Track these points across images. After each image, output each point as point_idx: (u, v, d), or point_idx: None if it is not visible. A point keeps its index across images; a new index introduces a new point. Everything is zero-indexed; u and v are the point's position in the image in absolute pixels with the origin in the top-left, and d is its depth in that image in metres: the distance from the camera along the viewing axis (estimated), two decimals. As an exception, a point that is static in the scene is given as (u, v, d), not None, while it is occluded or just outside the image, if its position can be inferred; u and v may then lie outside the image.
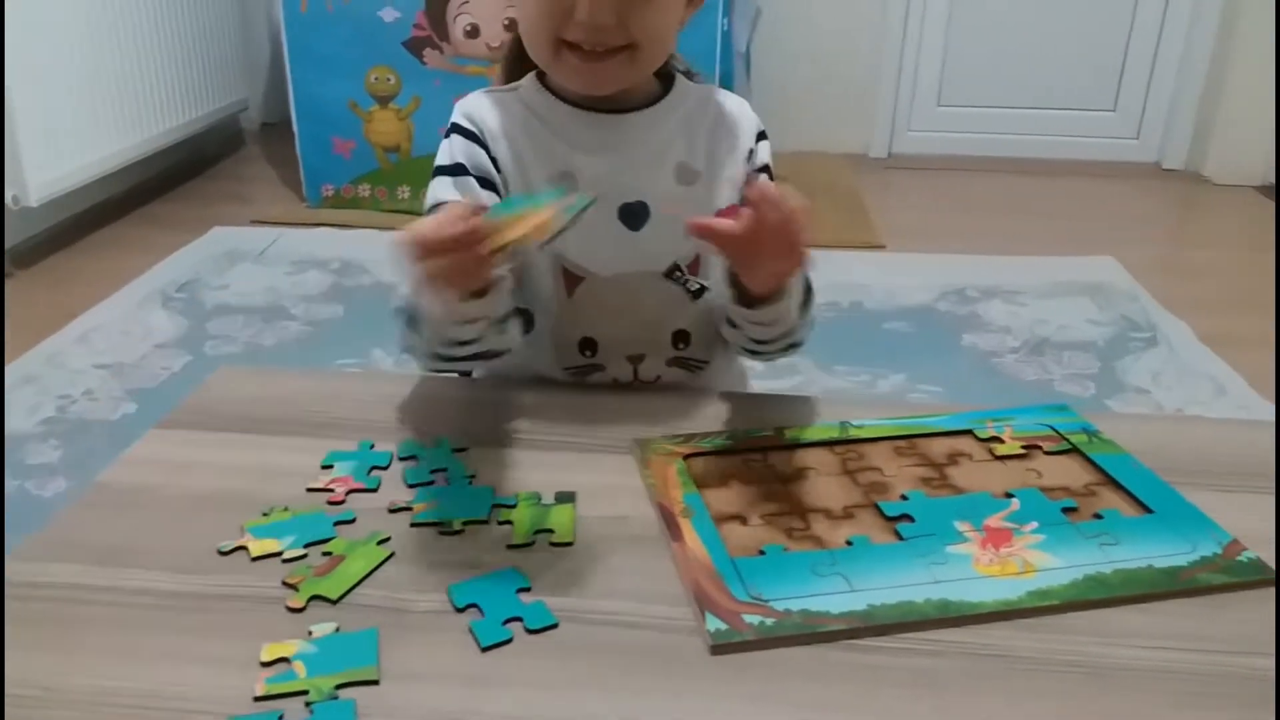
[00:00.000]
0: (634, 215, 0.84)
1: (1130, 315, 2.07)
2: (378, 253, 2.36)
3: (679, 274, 0.86)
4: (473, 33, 2.45)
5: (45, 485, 1.49)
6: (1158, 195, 3.06)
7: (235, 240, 2.44)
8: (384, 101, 2.54)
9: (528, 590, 0.60)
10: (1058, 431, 0.79)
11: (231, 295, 2.14)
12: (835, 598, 0.59)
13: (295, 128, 2.61)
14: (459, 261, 0.64)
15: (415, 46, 2.48)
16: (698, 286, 0.87)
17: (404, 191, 2.63)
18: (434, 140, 2.75)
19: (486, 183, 0.83)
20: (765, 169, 0.89)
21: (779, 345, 0.85)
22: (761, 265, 0.74)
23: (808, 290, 0.83)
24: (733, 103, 0.89)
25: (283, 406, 0.82)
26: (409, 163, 2.60)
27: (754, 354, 0.88)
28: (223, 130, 3.18)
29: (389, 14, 2.45)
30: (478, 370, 0.91)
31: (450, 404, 0.83)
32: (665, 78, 0.87)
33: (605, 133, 0.84)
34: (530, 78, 0.87)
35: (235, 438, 0.78)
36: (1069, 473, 0.73)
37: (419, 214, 2.66)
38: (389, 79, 2.52)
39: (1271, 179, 3.06)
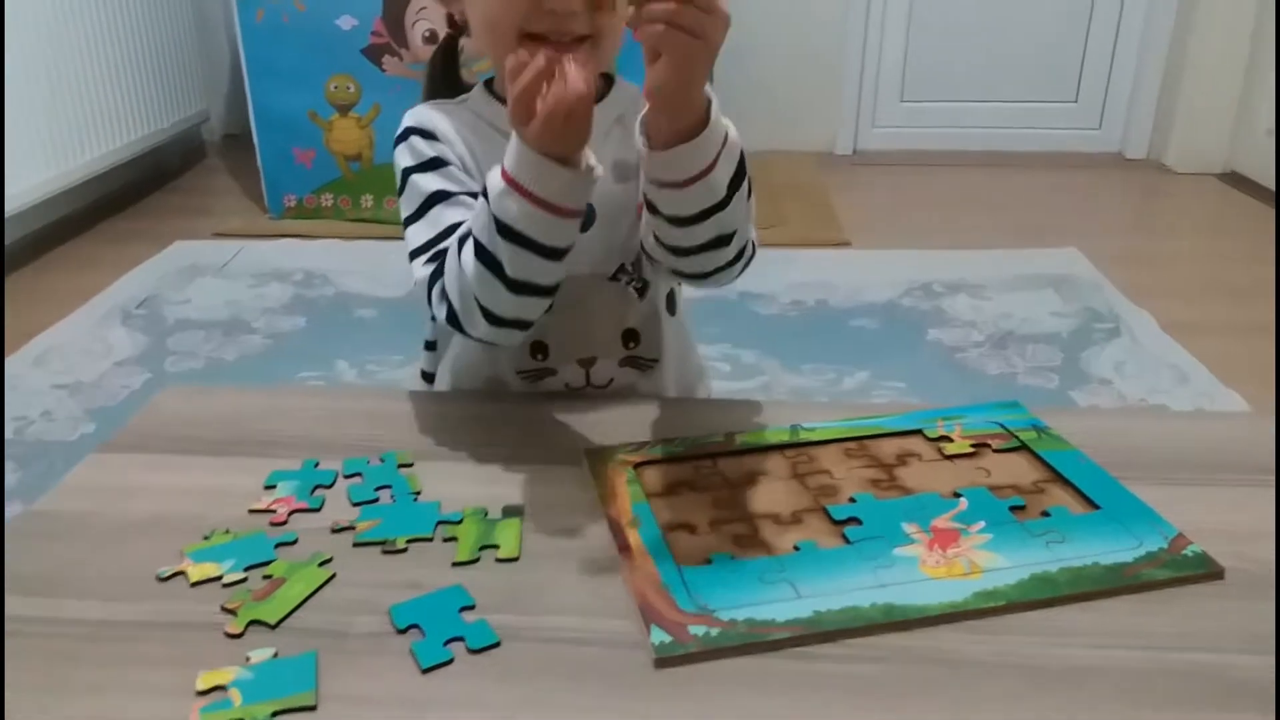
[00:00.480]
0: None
1: (1094, 306, 2.08)
2: (340, 261, 2.35)
3: (624, 273, 0.86)
4: (431, 39, 2.44)
5: None
6: (1121, 185, 3.09)
7: (197, 254, 2.41)
8: (344, 110, 2.52)
9: (471, 609, 0.59)
10: (1007, 429, 0.79)
11: (193, 310, 2.12)
12: (782, 605, 0.59)
13: (255, 139, 2.59)
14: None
15: (374, 54, 2.46)
16: (642, 282, 0.87)
17: (367, 200, 2.61)
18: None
19: (465, 173, 0.82)
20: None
21: (708, 227, 0.74)
22: (672, 47, 0.64)
23: (741, 168, 0.74)
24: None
25: (227, 426, 0.81)
26: (371, 170, 2.58)
27: (681, 251, 0.77)
28: (184, 142, 3.15)
29: (346, 22, 2.43)
30: (447, 369, 0.90)
31: (398, 418, 0.82)
32: (606, 78, 0.87)
33: None
34: (479, 89, 0.87)
35: (178, 459, 0.77)
36: (1017, 470, 0.73)
37: (381, 221, 2.67)
38: (349, 87, 2.50)
39: (1232, 167, 3.10)
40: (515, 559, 0.64)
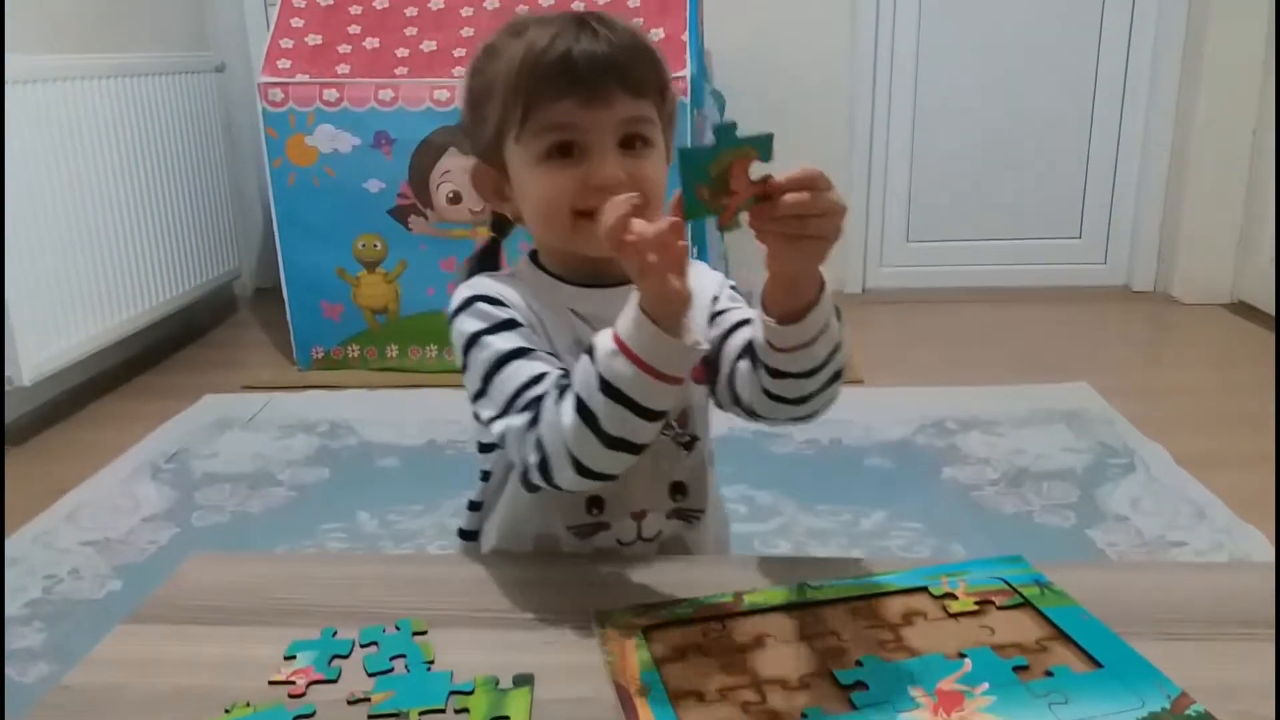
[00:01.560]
0: None
1: (1107, 441, 2.10)
2: (364, 411, 2.41)
3: (671, 427, 0.90)
4: (455, 199, 2.56)
5: (27, 671, 1.48)
6: (1128, 318, 3.13)
7: (225, 407, 2.48)
8: (371, 266, 2.63)
9: (482, 782, 0.60)
10: (1010, 584, 0.80)
11: (220, 463, 2.17)
12: (788, 775, 0.60)
13: (285, 294, 2.69)
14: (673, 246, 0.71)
15: (400, 214, 2.59)
16: (690, 438, 0.92)
17: (392, 350, 2.69)
18: (421, 299, 2.80)
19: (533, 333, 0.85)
20: (727, 311, 0.93)
21: (831, 366, 0.82)
22: (803, 245, 0.75)
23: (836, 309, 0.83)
24: (694, 268, 0.95)
25: (249, 595, 0.83)
26: (397, 322, 2.67)
27: (805, 398, 0.83)
28: (216, 298, 3.27)
29: (374, 185, 2.56)
30: (494, 527, 0.93)
31: (412, 583, 0.84)
32: None
33: (600, 305, 0.87)
34: (525, 263, 0.93)
35: (202, 630, 0.79)
36: (1021, 628, 0.74)
37: (405, 370, 2.72)
38: (375, 245, 2.61)
39: (1239, 296, 3.14)
40: (526, 730, 0.65)
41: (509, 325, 0.84)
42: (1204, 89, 3.07)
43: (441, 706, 0.67)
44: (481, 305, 0.86)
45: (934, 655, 0.71)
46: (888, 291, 3.38)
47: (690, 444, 0.92)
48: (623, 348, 0.74)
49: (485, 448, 0.96)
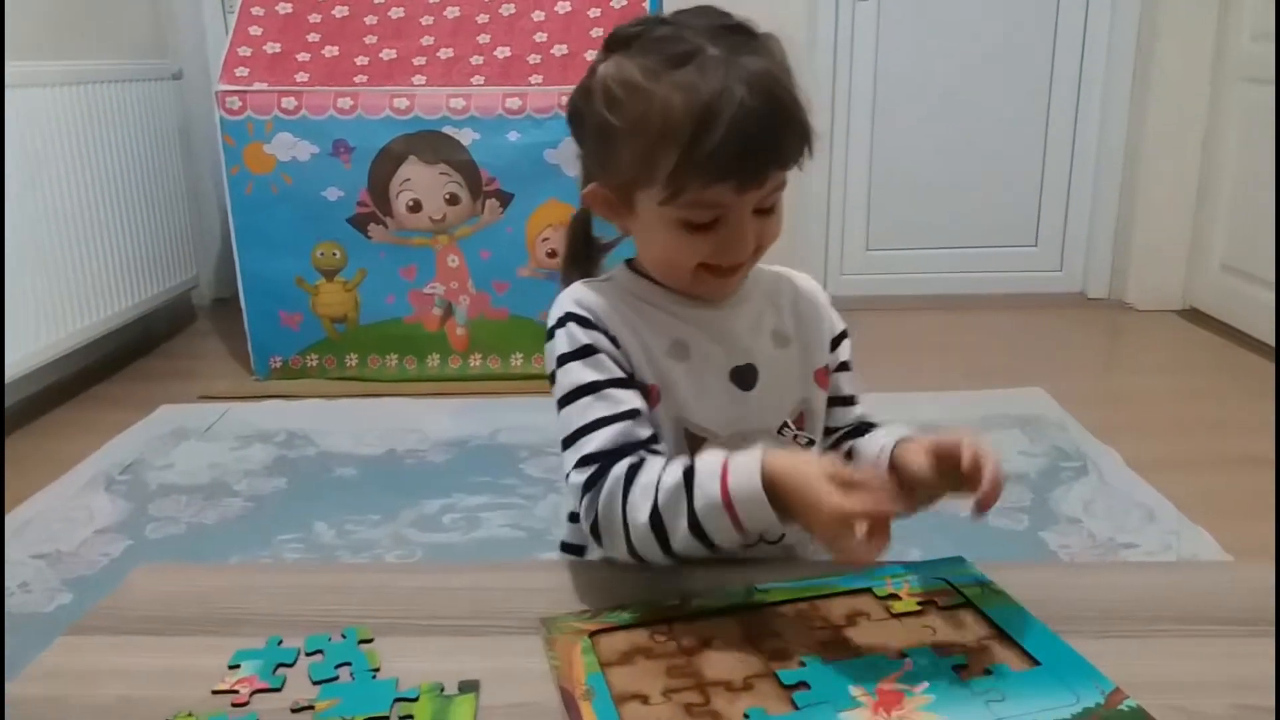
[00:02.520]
0: (744, 377, 0.90)
1: (1060, 445, 2.13)
2: (323, 421, 2.39)
3: (787, 429, 0.91)
4: (415, 208, 2.55)
5: (-28, 687, 1.45)
6: (1083, 324, 3.19)
7: (182, 418, 2.45)
8: (330, 275, 2.62)
9: (425, 788, 0.60)
10: (952, 585, 0.81)
11: (175, 474, 2.14)
12: (729, 775, 0.60)
13: (243, 304, 2.67)
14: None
15: (360, 222, 2.58)
16: (807, 440, 0.93)
17: (352, 359, 2.68)
18: (381, 308, 2.79)
19: (615, 360, 0.86)
20: (845, 365, 0.99)
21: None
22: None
23: None
24: (802, 280, 0.98)
25: (195, 605, 0.83)
26: (356, 331, 2.65)
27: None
28: (173, 308, 3.24)
29: (333, 193, 2.55)
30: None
31: (361, 593, 0.84)
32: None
33: (705, 309, 0.90)
34: (622, 269, 0.93)
35: (147, 640, 0.78)
36: (962, 628, 0.76)
37: (365, 379, 2.71)
38: (335, 254, 2.60)
39: (1191, 303, 3.21)
40: (470, 735, 0.65)
41: (587, 352, 0.85)
42: (1154, 100, 3.13)
43: (386, 713, 0.67)
44: (573, 326, 0.87)
45: (876, 655, 0.72)
46: (848, 300, 3.40)
47: (809, 445, 0.93)
48: (729, 508, 0.76)
49: None
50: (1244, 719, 0.65)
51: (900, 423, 0.98)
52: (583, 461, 0.82)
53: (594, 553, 0.95)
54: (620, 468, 0.81)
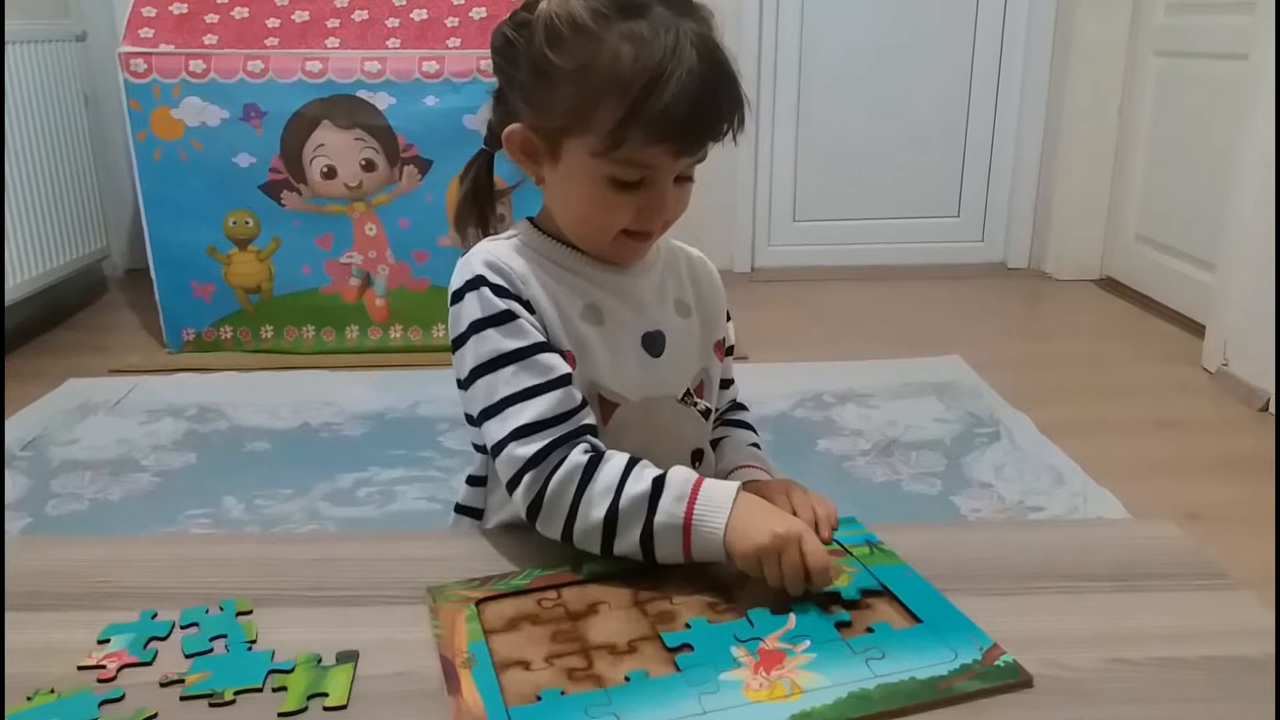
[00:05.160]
0: (654, 343, 0.89)
1: (975, 411, 2.17)
2: (236, 395, 2.33)
3: (689, 397, 0.92)
4: (330, 174, 2.49)
5: None
6: (1003, 294, 3.24)
7: (90, 392, 2.37)
8: (243, 244, 2.54)
9: (292, 760, 0.59)
10: (842, 545, 0.82)
11: (81, 450, 2.07)
12: (605, 739, 0.60)
13: (153, 274, 2.59)
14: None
15: (272, 189, 2.50)
16: (705, 408, 0.93)
17: (267, 331, 2.61)
18: (297, 278, 2.72)
19: (533, 326, 0.83)
20: (731, 349, 1.00)
21: None
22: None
23: None
24: (695, 253, 0.99)
25: (68, 579, 0.80)
26: (271, 302, 2.59)
27: None
28: (83, 279, 3.13)
29: (244, 159, 2.47)
30: (500, 503, 0.91)
31: (242, 564, 0.81)
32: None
33: (615, 273, 0.89)
34: (526, 227, 0.90)
35: (12, 616, 0.75)
36: (846, 586, 0.76)
37: (281, 351, 2.65)
38: (247, 222, 2.53)
39: (1107, 273, 3.28)
40: (343, 706, 0.64)
41: (506, 318, 0.82)
42: (1072, 69, 3.18)
43: (259, 686, 0.66)
44: (485, 291, 0.83)
45: (759, 610, 0.72)
46: (775, 270, 3.43)
47: (707, 414, 0.94)
48: (686, 543, 0.76)
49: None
50: (1116, 673, 0.67)
51: (748, 427, 1.03)
52: (521, 432, 0.79)
53: (493, 517, 0.94)
54: (578, 455, 0.79)
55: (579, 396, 0.83)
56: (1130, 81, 3.12)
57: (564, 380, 0.81)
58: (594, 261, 0.88)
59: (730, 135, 0.82)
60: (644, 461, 0.80)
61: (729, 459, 0.97)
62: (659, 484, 0.78)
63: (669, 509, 0.77)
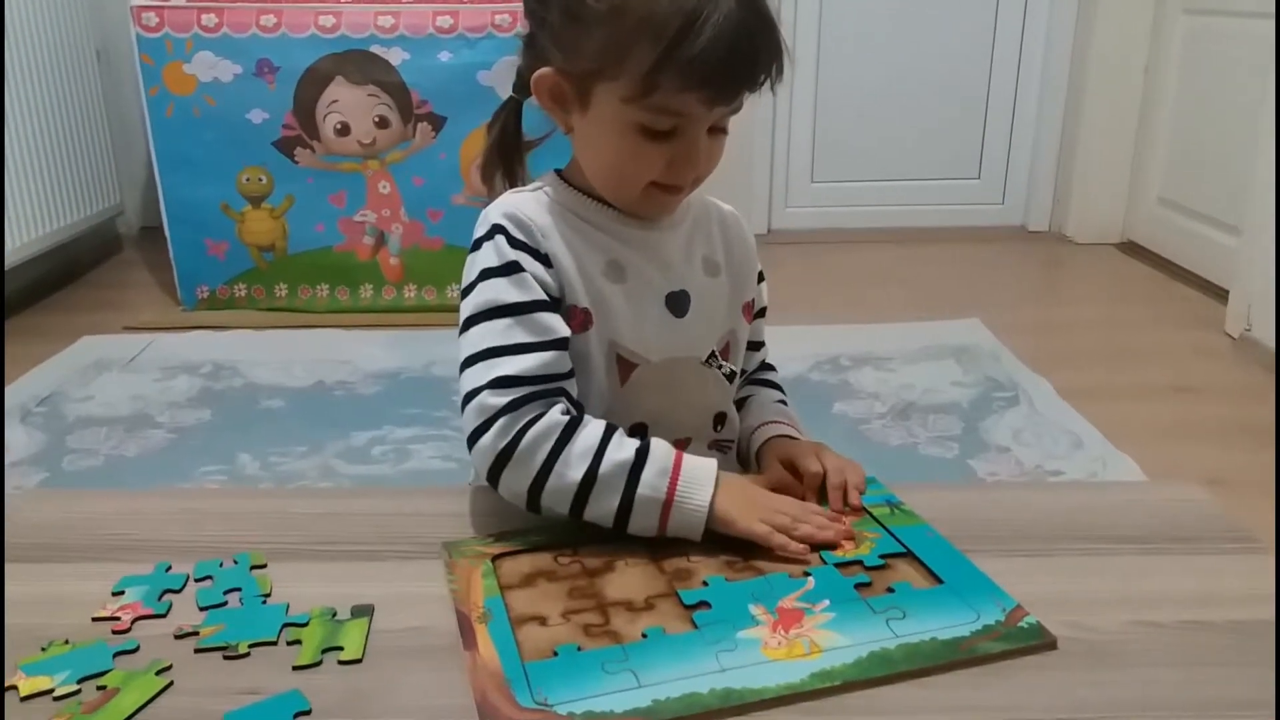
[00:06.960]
0: (678, 302, 0.87)
1: (994, 375, 2.14)
2: (250, 352, 2.33)
3: (714, 358, 0.90)
4: (343, 130, 2.46)
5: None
6: (1023, 257, 3.20)
7: (105, 349, 2.37)
8: (256, 202, 2.53)
9: (307, 714, 0.58)
10: (862, 506, 0.80)
11: (96, 406, 2.07)
12: (621, 695, 0.59)
13: (167, 232, 2.58)
14: None
15: (286, 146, 2.48)
16: (730, 370, 0.91)
17: (281, 289, 2.60)
18: (311, 236, 2.71)
19: (540, 283, 0.81)
20: (763, 310, 0.99)
21: None
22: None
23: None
24: (728, 209, 0.96)
25: (81, 531, 0.79)
26: (285, 260, 2.58)
27: None
28: (97, 236, 3.12)
29: (257, 115, 2.45)
30: None
31: (255, 518, 0.81)
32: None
33: (641, 229, 0.86)
34: (553, 179, 0.88)
35: (28, 568, 0.75)
36: (866, 547, 0.75)
37: (295, 310, 2.64)
38: (261, 179, 2.51)
39: (1128, 236, 3.24)
40: (359, 660, 0.63)
41: (512, 269, 0.80)
42: (1098, 27, 3.11)
43: (274, 639, 0.65)
44: (499, 237, 0.81)
45: (778, 574, 0.71)
46: (793, 232, 3.39)
47: (732, 377, 0.92)
48: (664, 518, 0.75)
49: None
50: (1141, 635, 0.66)
51: (775, 386, 1.01)
52: (500, 383, 0.76)
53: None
54: (556, 414, 0.76)
55: (569, 365, 0.80)
56: (1157, 40, 3.05)
57: (558, 344, 0.79)
58: (620, 216, 0.86)
59: (768, 84, 0.79)
60: (621, 430, 0.78)
61: (755, 415, 0.95)
62: (642, 454, 0.76)
63: (652, 482, 0.75)
